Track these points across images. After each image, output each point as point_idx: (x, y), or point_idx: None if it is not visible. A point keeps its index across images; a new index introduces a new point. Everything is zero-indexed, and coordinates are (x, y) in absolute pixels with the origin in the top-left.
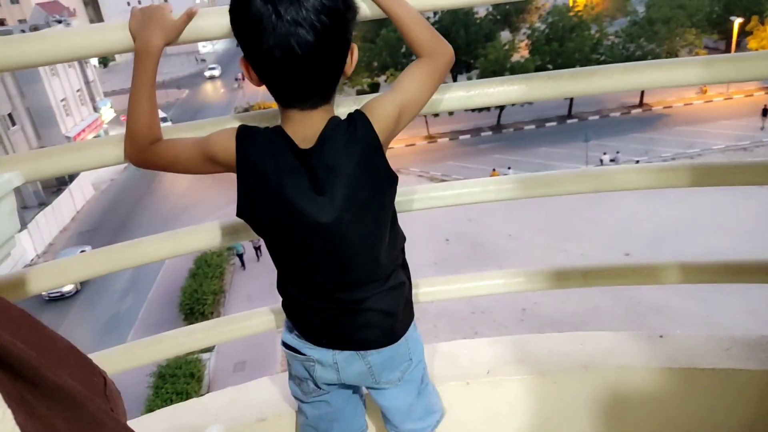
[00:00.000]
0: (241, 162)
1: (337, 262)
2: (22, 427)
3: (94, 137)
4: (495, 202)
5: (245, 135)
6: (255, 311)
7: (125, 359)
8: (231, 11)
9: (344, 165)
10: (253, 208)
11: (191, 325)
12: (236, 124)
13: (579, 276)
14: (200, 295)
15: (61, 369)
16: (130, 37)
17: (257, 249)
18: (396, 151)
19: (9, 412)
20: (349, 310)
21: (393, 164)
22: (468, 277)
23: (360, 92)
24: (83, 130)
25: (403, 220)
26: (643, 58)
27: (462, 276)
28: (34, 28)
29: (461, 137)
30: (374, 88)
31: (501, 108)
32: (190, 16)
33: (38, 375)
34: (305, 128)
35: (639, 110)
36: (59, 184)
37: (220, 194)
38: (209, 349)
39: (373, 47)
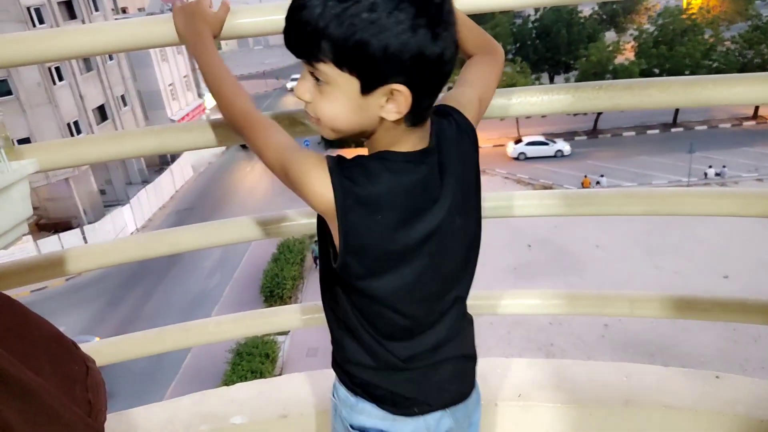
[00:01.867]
0: (347, 220)
1: (437, 281)
2: None
3: None
4: (536, 217)
5: (349, 192)
6: (283, 308)
7: (155, 343)
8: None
9: (455, 163)
10: (362, 257)
11: (220, 316)
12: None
13: (626, 304)
14: (280, 279)
15: (36, 358)
16: (174, 31)
17: (316, 259)
18: (483, 151)
19: None
20: (432, 363)
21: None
22: (500, 293)
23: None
24: (187, 115)
25: (484, 224)
26: (761, 66)
27: (495, 292)
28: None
29: None
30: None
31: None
32: (226, 8)
33: None
34: (415, 141)
35: (752, 123)
36: (162, 163)
37: None
38: (284, 333)
39: None
